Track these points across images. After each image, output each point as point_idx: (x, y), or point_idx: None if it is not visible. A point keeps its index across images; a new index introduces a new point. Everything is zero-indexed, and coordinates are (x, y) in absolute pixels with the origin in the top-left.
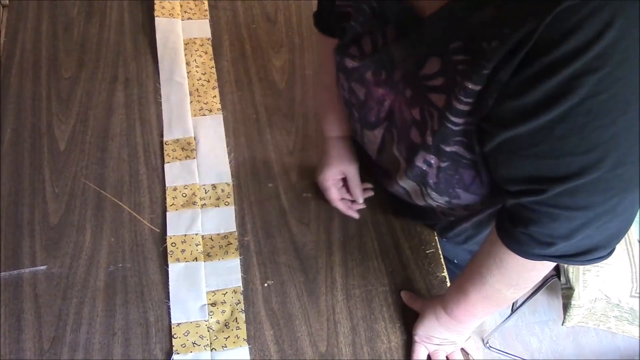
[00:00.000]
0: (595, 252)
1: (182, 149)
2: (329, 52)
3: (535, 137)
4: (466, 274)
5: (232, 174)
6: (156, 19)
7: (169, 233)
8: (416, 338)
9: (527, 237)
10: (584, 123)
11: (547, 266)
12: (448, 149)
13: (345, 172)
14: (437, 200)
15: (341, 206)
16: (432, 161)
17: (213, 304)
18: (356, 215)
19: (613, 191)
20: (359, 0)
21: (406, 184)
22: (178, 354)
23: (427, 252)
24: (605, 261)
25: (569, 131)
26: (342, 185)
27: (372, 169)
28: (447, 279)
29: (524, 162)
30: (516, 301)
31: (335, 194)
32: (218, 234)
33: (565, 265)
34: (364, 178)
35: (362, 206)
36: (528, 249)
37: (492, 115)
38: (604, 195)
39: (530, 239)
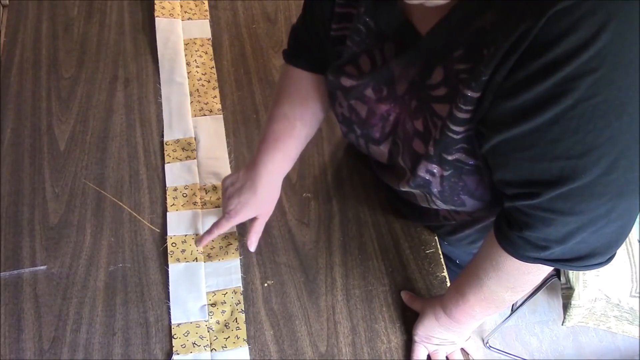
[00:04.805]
0: (592, 258)
1: (183, 149)
2: (294, 84)
3: (529, 139)
4: (464, 275)
5: None
6: (156, 19)
7: (169, 233)
8: (416, 338)
9: (522, 240)
10: (578, 126)
11: (544, 270)
12: (450, 157)
13: (260, 215)
14: (442, 206)
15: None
16: (435, 170)
17: (213, 304)
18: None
19: (607, 196)
20: (355, 20)
21: (411, 191)
22: (178, 354)
23: (427, 252)
24: None
25: (562, 134)
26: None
27: (374, 168)
28: (447, 279)
29: (518, 165)
30: (516, 301)
31: (233, 223)
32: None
33: None
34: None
35: (251, 249)
36: (523, 252)
37: (487, 117)
38: (598, 200)
39: (525, 242)
